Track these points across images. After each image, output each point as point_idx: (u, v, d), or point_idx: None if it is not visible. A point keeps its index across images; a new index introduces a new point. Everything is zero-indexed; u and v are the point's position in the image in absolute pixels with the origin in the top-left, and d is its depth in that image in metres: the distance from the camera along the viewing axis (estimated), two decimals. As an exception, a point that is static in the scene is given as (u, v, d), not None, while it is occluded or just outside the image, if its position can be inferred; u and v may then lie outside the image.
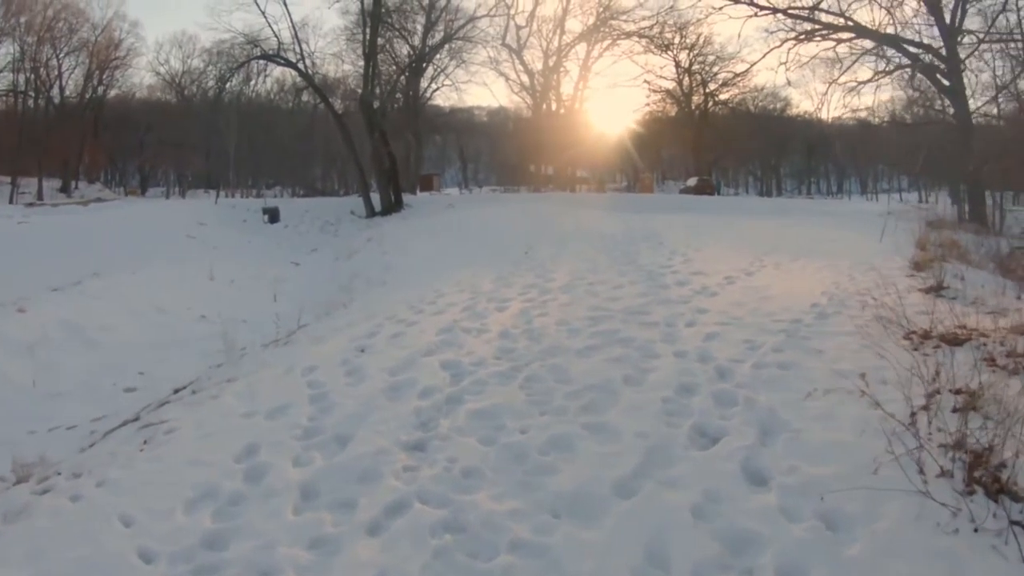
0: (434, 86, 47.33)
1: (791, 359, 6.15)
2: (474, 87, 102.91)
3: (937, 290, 9.31)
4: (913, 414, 4.52)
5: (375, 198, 29.55)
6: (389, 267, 17.76)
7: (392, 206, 28.90)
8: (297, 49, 30.54)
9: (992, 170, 28.25)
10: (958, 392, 4.70)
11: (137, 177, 62.55)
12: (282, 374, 7.18)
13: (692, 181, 45.98)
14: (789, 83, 69.39)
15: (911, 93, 32.99)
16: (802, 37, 31.10)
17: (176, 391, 7.78)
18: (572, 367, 6.37)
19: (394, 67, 44.63)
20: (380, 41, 35.72)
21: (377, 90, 31.72)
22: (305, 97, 50.53)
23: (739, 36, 55.40)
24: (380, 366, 6.96)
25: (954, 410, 4.48)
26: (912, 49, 29.16)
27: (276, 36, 30.66)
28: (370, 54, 30.22)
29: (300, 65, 30.85)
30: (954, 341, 6.05)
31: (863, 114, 38.18)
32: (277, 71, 48.69)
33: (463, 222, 23.47)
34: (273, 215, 28.93)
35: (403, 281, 14.72)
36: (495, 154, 67.89)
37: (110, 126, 57.10)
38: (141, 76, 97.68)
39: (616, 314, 8.33)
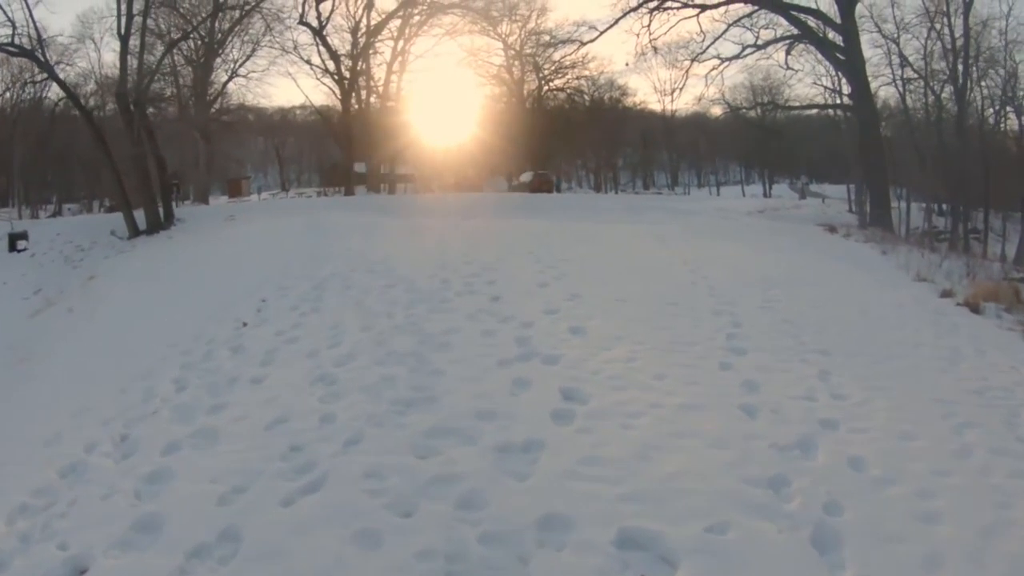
0: (240, 80, 36.86)
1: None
2: (288, 83, 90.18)
3: None
4: None
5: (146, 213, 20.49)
6: (26, 358, 9.69)
7: (158, 223, 20.24)
8: (32, 32, 20.12)
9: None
10: None
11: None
12: None
13: (526, 176, 37.74)
14: (628, 64, 62.18)
15: (787, 71, 26.42)
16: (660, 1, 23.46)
17: None
18: None
19: (180, 57, 34.02)
20: (154, 24, 25.58)
21: (135, 79, 21.48)
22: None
23: None
24: None
25: None
26: (800, 16, 22.17)
27: (10, 19, 19.90)
28: (126, 35, 20.30)
29: (38, 53, 20.40)
30: None
31: (714, 103, 31.25)
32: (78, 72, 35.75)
33: (222, 246, 14.64)
34: (17, 241, 20.34)
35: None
36: (316, 153, 58.01)
37: None
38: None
39: None
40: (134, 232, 19.60)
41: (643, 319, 6.46)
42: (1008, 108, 31.50)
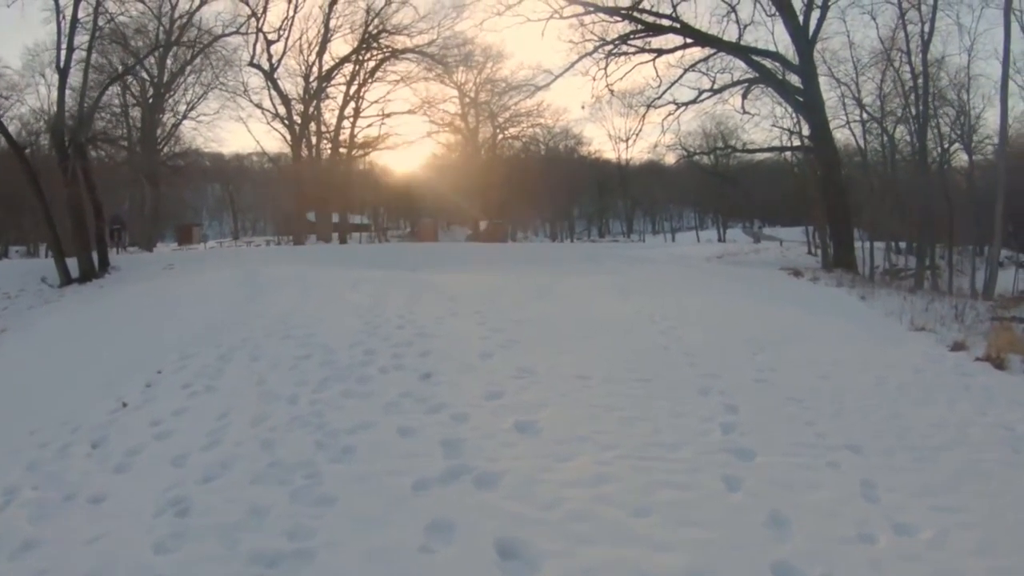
0: (190, 123, 34.97)
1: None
2: (245, 128, 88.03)
3: None
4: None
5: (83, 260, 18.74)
6: None
7: (92, 271, 18.55)
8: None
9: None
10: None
11: None
12: None
13: (480, 225, 36.31)
14: (584, 107, 61.04)
15: (743, 117, 25.56)
16: (615, 45, 22.42)
17: None
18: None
19: (131, 97, 32.22)
20: (105, 61, 23.98)
21: (77, 116, 19.81)
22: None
23: (542, 35, 46.39)
24: None
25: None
26: (758, 59, 21.30)
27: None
28: (65, 68, 18.61)
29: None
30: None
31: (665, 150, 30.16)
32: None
33: (147, 300, 12.76)
34: None
35: None
36: (273, 202, 55.95)
37: None
38: None
39: None
40: (65, 280, 17.80)
41: (611, 405, 4.91)
42: (957, 145, 31.34)
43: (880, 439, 4.43)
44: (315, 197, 33.59)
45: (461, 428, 4.39)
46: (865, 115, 27.80)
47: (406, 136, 49.19)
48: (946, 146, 30.43)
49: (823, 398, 5.24)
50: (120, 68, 25.47)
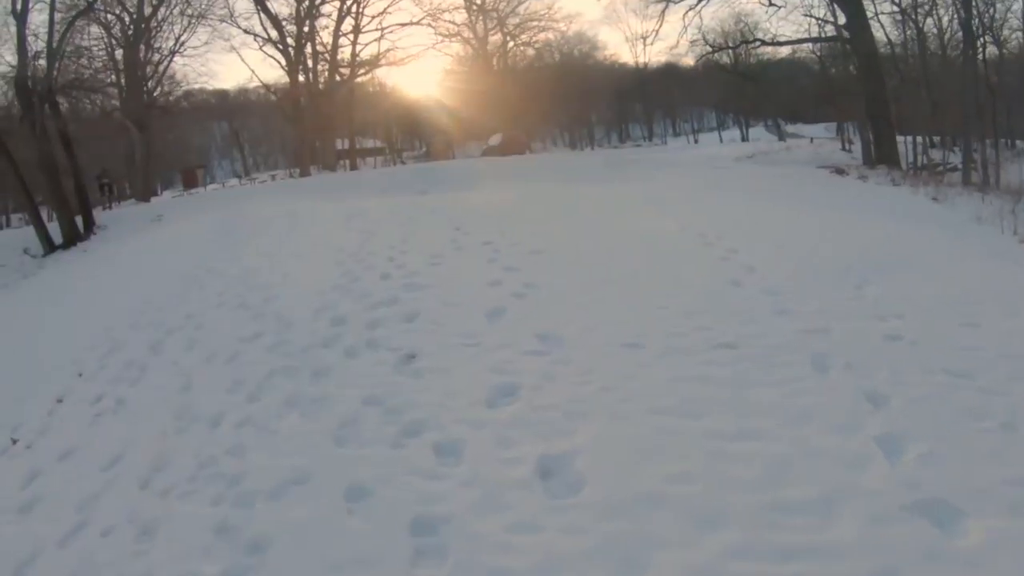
0: (179, 60, 31.82)
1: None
2: (238, 60, 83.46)
3: None
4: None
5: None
6: None
7: (76, 234, 16.52)
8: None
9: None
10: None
11: None
12: None
13: (495, 139, 33.00)
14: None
15: (768, 8, 22.49)
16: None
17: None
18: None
19: (115, 41, 29.36)
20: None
21: (46, 65, 17.56)
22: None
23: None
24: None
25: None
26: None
27: None
28: (23, 12, 16.38)
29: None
30: None
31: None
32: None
33: (113, 266, 10.71)
34: None
35: None
36: (280, 135, 52.84)
37: None
38: None
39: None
40: (48, 248, 15.95)
41: (684, 405, 3.02)
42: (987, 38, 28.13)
43: None
44: (317, 124, 31.05)
45: (447, 481, 2.55)
46: (891, 8, 24.64)
47: (411, 51, 45.30)
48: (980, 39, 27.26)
49: (996, 368, 3.33)
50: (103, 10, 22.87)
